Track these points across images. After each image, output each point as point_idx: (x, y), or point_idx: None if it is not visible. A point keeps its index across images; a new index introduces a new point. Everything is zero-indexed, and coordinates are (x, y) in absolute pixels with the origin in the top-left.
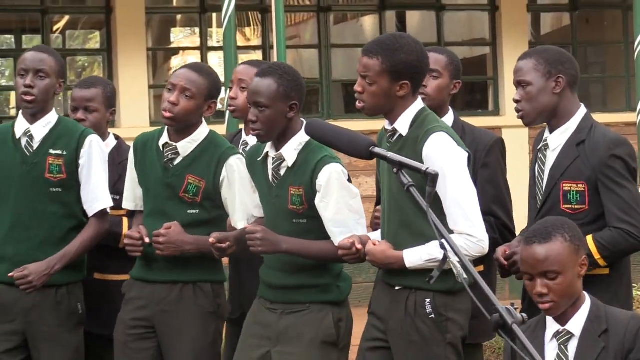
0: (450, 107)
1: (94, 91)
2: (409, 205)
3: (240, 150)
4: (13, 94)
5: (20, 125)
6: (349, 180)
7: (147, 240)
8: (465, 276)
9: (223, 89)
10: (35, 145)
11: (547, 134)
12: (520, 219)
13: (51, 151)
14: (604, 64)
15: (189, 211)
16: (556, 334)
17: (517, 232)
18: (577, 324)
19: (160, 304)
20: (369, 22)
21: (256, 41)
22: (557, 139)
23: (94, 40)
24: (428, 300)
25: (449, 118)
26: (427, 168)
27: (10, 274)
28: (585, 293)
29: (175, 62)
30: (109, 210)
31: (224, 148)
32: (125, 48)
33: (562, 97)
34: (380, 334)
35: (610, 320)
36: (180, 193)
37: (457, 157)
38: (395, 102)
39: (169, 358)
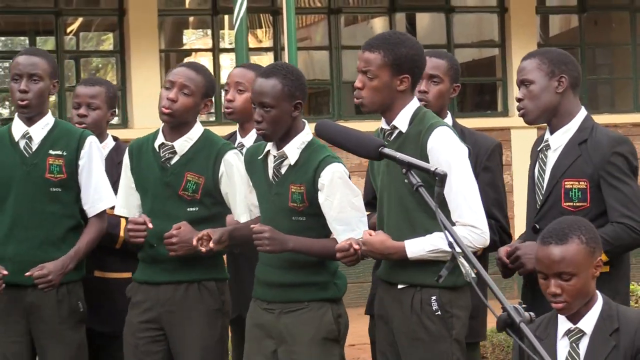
0: (448, 111)
1: (97, 89)
2: (411, 202)
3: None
4: None
5: (18, 128)
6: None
7: (150, 225)
8: (473, 275)
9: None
10: (35, 146)
11: (547, 135)
12: (524, 219)
13: (51, 152)
14: (611, 66)
15: (188, 209)
16: (568, 332)
17: (513, 234)
18: (589, 322)
19: (166, 304)
20: (379, 24)
21: (267, 43)
22: (558, 139)
23: (108, 42)
24: (434, 297)
25: (447, 121)
26: (436, 168)
27: (27, 274)
28: (597, 292)
29: None
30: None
31: (220, 144)
32: (138, 50)
33: (564, 97)
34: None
35: (622, 319)
36: (180, 191)
37: (461, 150)
38: (395, 97)
39: (178, 357)
